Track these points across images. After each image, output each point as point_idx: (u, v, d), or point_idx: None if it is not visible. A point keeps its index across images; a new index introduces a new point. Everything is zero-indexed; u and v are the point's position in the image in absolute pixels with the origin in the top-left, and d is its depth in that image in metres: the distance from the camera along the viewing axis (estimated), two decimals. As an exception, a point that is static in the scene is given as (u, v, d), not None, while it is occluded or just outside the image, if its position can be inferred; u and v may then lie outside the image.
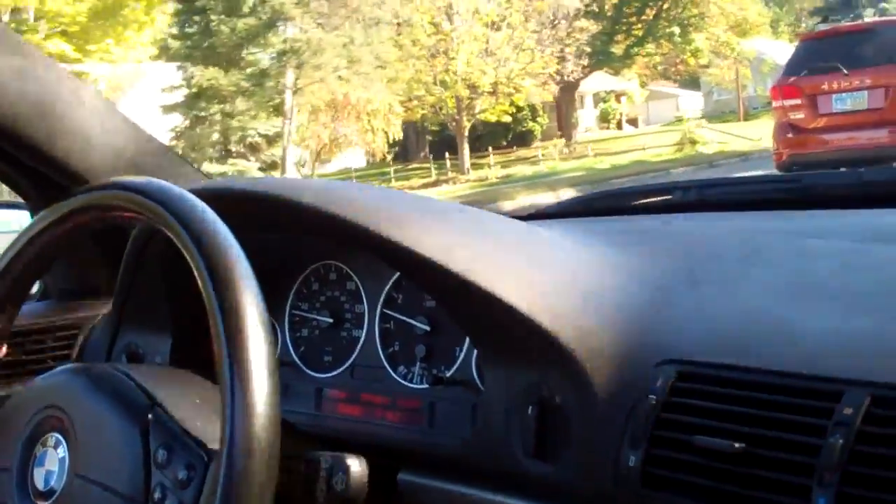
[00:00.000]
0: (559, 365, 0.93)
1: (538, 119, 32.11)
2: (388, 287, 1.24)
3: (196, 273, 0.80)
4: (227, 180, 1.11)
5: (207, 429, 0.85)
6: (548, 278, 0.98)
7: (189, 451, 0.82)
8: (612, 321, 0.95)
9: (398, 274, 1.23)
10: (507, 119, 28.63)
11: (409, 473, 1.07)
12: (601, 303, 0.97)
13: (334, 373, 1.28)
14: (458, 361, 1.15)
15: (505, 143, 30.46)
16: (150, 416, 0.87)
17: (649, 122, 41.44)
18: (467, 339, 1.15)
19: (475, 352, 1.13)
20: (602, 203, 1.46)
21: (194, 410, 0.89)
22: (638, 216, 1.38)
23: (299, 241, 1.30)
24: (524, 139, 31.60)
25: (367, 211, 0.99)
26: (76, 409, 0.90)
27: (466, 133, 25.76)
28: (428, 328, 1.18)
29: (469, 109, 25.29)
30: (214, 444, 0.82)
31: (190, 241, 0.81)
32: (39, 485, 0.89)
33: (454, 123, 25.70)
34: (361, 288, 1.27)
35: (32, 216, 1.55)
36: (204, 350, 1.30)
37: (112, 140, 1.42)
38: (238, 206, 1.05)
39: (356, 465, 0.89)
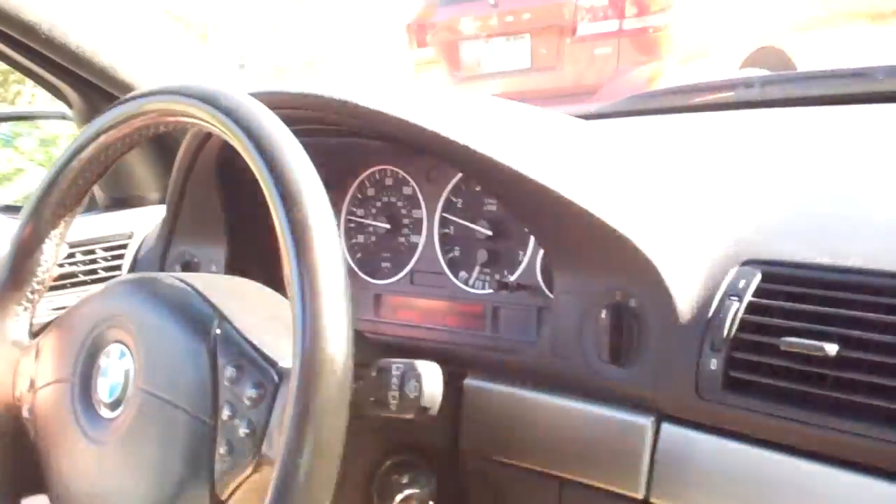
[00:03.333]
0: (635, 268, 0.90)
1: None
2: (447, 191, 1.21)
3: (263, 185, 0.75)
4: (281, 84, 1.07)
5: (277, 345, 0.82)
6: (619, 179, 0.95)
7: (259, 369, 0.80)
8: (689, 222, 0.92)
9: (457, 178, 1.20)
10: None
11: (476, 379, 1.05)
12: (676, 204, 0.94)
13: (393, 279, 1.26)
14: (523, 266, 1.13)
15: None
16: (217, 330, 0.83)
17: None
18: (531, 244, 1.12)
19: (540, 256, 1.11)
20: (661, 101, 1.41)
21: (262, 325, 0.86)
22: (701, 114, 1.34)
23: (353, 146, 1.27)
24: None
25: (430, 113, 0.95)
26: (140, 321, 0.87)
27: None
28: (489, 232, 1.16)
29: None
30: (284, 362, 0.79)
31: (256, 153, 0.77)
32: (104, 396, 0.87)
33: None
34: (419, 192, 1.24)
35: (77, 123, 1.53)
36: (260, 258, 1.29)
37: (159, 48, 1.38)
38: (295, 110, 1.02)
39: (429, 372, 0.86)
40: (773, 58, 4.62)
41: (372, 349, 1.01)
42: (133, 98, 0.92)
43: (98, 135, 0.95)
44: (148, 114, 0.91)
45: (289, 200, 0.74)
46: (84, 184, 1.00)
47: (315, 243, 0.73)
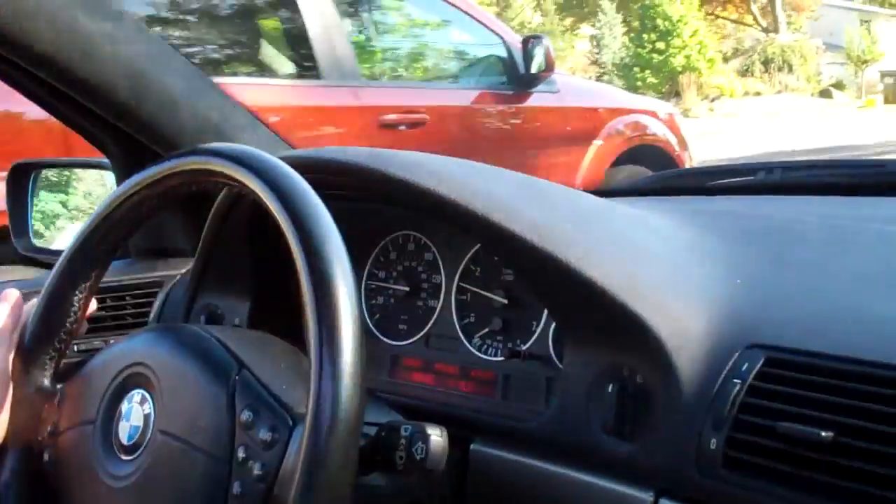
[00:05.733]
0: (643, 345, 0.93)
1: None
2: (466, 259, 1.25)
3: (290, 242, 0.81)
4: (314, 150, 1.12)
5: (292, 393, 0.86)
6: (633, 258, 0.98)
7: (274, 414, 0.84)
8: (698, 303, 0.95)
9: (477, 247, 1.24)
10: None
11: (482, 444, 1.08)
12: (687, 284, 0.97)
13: (409, 341, 1.30)
14: (535, 336, 1.16)
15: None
16: (236, 377, 0.88)
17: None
18: (545, 314, 1.15)
19: (552, 327, 1.14)
20: (681, 182, 1.45)
21: (278, 374, 0.90)
22: (718, 197, 1.37)
23: (378, 211, 1.31)
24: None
25: (455, 184, 0.99)
26: (163, 368, 0.92)
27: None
28: (505, 301, 1.19)
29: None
30: (299, 408, 0.83)
31: (283, 210, 0.82)
32: (123, 439, 0.91)
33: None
34: (439, 259, 1.28)
35: (115, 174, 1.58)
36: (283, 314, 1.33)
37: (199, 106, 1.44)
38: (325, 175, 1.06)
39: (437, 435, 0.89)
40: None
41: (387, 410, 1.04)
42: (167, 158, 0.97)
43: (132, 193, 1.00)
44: (182, 174, 0.96)
45: (311, 253, 0.79)
46: (115, 240, 1.04)
47: (334, 294, 0.78)
